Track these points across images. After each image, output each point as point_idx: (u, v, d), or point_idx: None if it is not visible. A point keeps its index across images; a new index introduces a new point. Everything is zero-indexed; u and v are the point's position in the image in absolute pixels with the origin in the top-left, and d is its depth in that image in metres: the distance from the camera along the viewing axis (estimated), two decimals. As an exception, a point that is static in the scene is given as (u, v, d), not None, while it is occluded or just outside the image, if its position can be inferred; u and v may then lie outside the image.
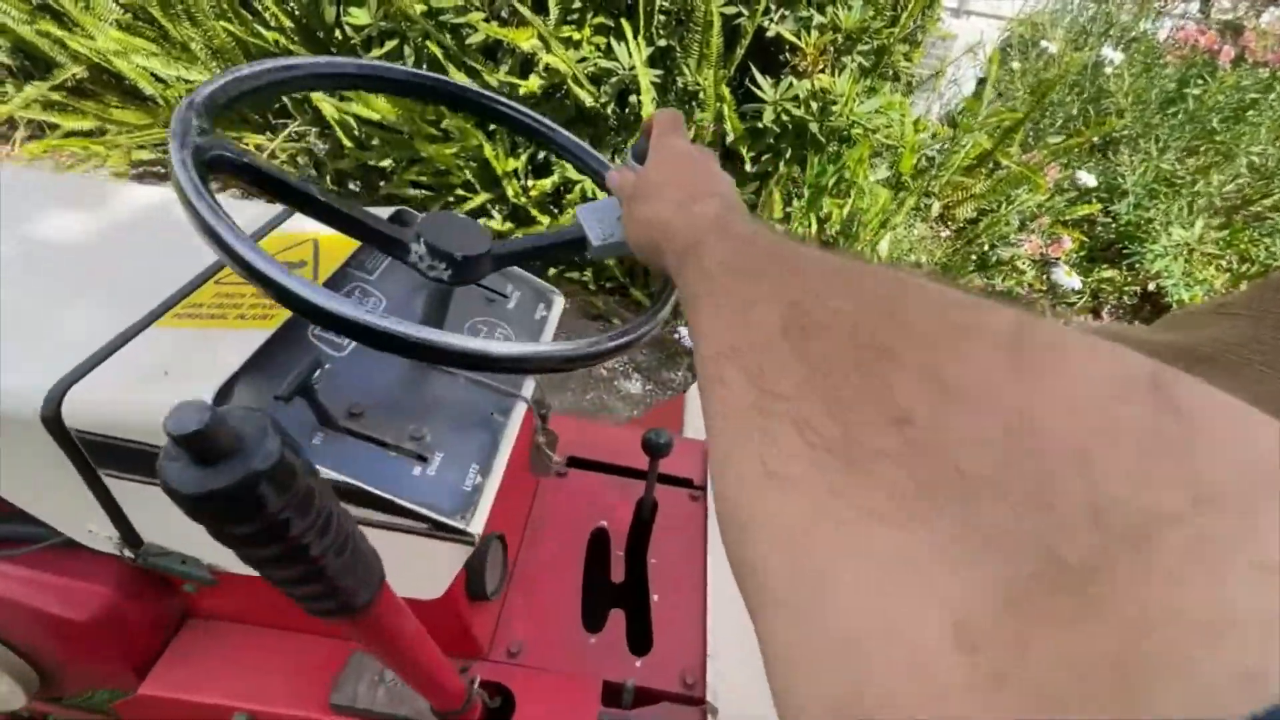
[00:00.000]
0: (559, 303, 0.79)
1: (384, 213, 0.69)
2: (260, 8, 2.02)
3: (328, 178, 2.43)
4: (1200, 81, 2.64)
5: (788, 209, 1.95)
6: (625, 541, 0.86)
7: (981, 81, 3.57)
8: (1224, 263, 2.67)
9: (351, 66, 0.61)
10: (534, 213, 2.07)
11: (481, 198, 2.05)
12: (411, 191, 2.16)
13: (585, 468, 0.94)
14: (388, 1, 1.84)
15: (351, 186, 2.43)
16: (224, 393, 0.50)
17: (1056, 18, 3.41)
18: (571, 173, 1.93)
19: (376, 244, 0.54)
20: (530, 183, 2.03)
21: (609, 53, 1.84)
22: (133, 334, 0.56)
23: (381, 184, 2.27)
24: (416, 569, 0.55)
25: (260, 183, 0.48)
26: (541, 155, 2.01)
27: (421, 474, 0.54)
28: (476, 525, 0.53)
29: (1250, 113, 2.58)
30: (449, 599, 0.62)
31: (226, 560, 0.61)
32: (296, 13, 2.03)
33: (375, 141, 2.19)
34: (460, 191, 2.11)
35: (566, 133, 0.71)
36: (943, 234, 2.48)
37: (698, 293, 0.29)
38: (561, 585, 0.80)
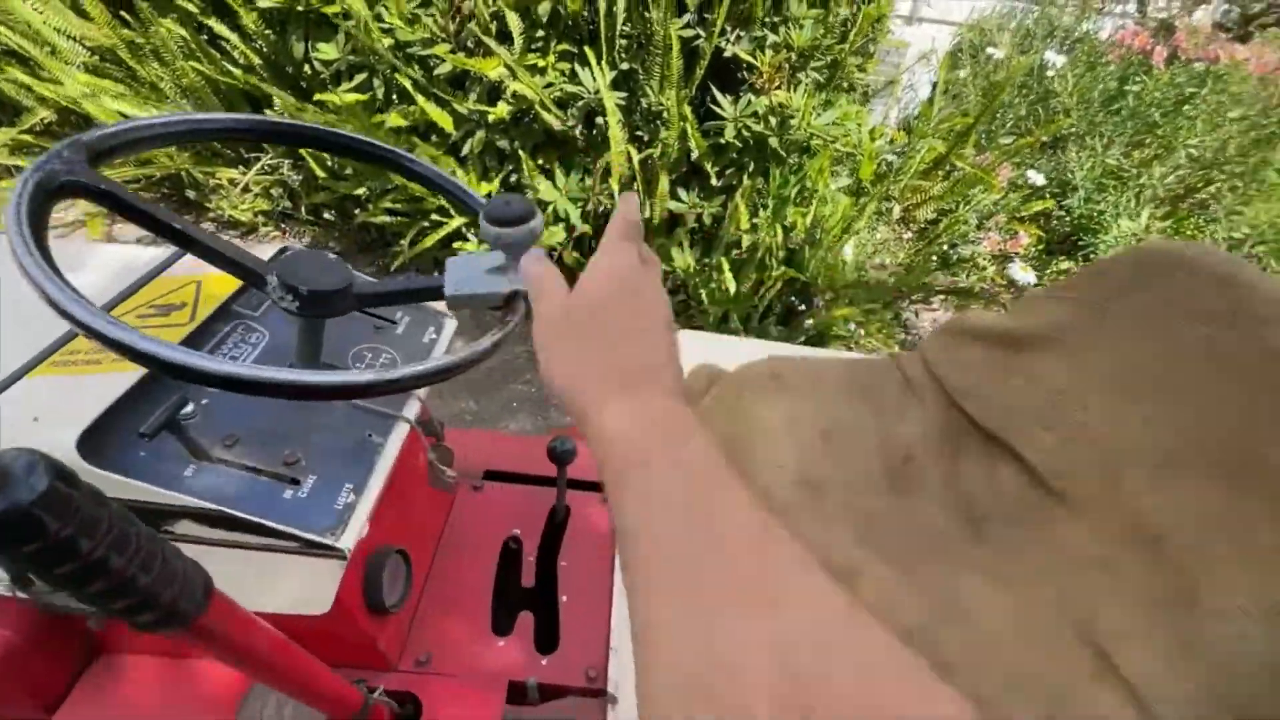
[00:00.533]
0: (450, 325, 0.82)
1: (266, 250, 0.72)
2: (228, 46, 2.05)
3: (303, 208, 2.46)
4: (1139, 79, 2.78)
5: (754, 220, 2.02)
6: (538, 545, 0.90)
7: (946, 85, 3.70)
8: (1173, 250, 2.79)
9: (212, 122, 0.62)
10: (509, 234, 2.11)
11: (456, 222, 2.10)
12: (386, 219, 2.20)
13: (503, 480, 0.98)
14: (355, 36, 1.88)
15: (327, 216, 2.46)
16: (89, 434, 0.52)
17: (1003, 22, 3.55)
18: (545, 193, 1.99)
19: (237, 274, 0.56)
20: (503, 205, 2.08)
21: (574, 78, 1.90)
22: (6, 385, 0.58)
23: (357, 212, 2.30)
24: (299, 587, 0.58)
25: (123, 211, 0.51)
26: (514, 177, 2.07)
27: (293, 496, 0.58)
28: (347, 541, 0.57)
29: (1186, 107, 2.72)
30: (346, 614, 0.65)
31: None
32: (265, 50, 2.06)
33: (349, 171, 2.22)
34: (435, 217, 2.15)
35: (427, 163, 0.71)
36: (905, 236, 2.57)
37: (637, 526, 0.27)
38: (472, 594, 0.84)
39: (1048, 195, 2.81)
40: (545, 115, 1.90)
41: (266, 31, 2.01)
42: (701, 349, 0.95)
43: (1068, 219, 2.84)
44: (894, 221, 2.53)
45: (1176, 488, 0.51)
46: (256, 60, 2.07)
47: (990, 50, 2.94)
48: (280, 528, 0.55)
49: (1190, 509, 0.50)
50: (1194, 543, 0.49)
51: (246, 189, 2.43)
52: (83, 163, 0.50)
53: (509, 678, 0.76)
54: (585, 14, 1.89)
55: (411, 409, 0.71)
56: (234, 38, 2.01)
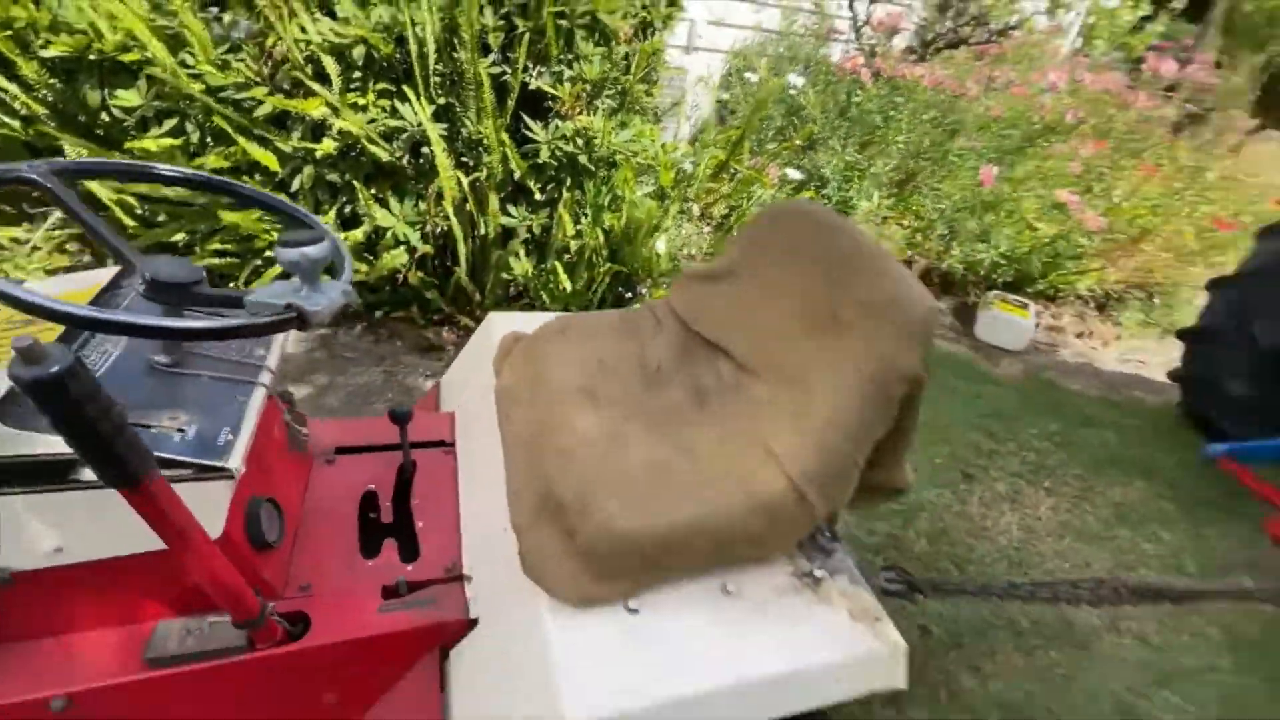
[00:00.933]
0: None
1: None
2: (6, 97, 1.94)
3: (109, 260, 2.33)
4: (858, 94, 3.55)
5: (578, 226, 2.33)
6: (392, 494, 1.10)
7: (719, 104, 4.32)
8: (905, 222, 3.59)
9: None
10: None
11: (294, 255, 2.16)
12: (216, 260, 2.19)
13: (353, 453, 1.15)
14: (161, 80, 1.90)
15: (141, 265, 2.36)
16: (1, 405, 0.66)
17: (761, 49, 4.27)
18: (383, 220, 2.13)
19: (118, 258, 0.79)
20: (341, 235, 2.19)
21: (395, 113, 2.08)
22: None
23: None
24: (195, 514, 0.69)
25: (62, 207, 0.75)
26: (349, 208, 2.18)
27: (181, 439, 0.73)
28: (234, 462, 0.74)
29: (894, 113, 3.53)
30: (234, 547, 0.80)
31: (20, 558, 0.73)
32: (51, 99, 1.98)
33: (162, 217, 2.18)
34: (269, 254, 2.19)
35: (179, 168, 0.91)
36: (705, 230, 3.05)
37: None
38: (339, 535, 1.01)
39: (812, 187, 3.47)
40: (373, 148, 2.06)
41: (52, 80, 1.93)
42: (512, 323, 1.22)
43: (828, 205, 3.53)
44: (695, 218, 3.00)
45: (801, 347, 0.89)
46: (41, 110, 1.97)
47: (748, 75, 3.56)
48: (175, 458, 0.70)
49: (808, 355, 0.88)
50: (808, 376, 0.86)
51: (36, 247, 2.26)
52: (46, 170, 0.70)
53: (381, 583, 0.94)
54: (398, 56, 2.08)
55: (265, 377, 0.88)
56: (13, 88, 1.91)
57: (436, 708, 0.90)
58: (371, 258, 2.25)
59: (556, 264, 2.31)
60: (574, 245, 2.34)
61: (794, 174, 3.10)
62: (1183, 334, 2.58)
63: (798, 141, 3.28)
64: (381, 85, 2.07)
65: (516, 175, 2.24)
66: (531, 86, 2.18)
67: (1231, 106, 6.28)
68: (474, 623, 0.92)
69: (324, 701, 0.93)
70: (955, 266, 3.35)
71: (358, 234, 2.17)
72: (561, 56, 2.20)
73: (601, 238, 2.34)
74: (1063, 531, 2.12)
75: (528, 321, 1.21)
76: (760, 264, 1.00)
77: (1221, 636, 1.81)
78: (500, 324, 1.24)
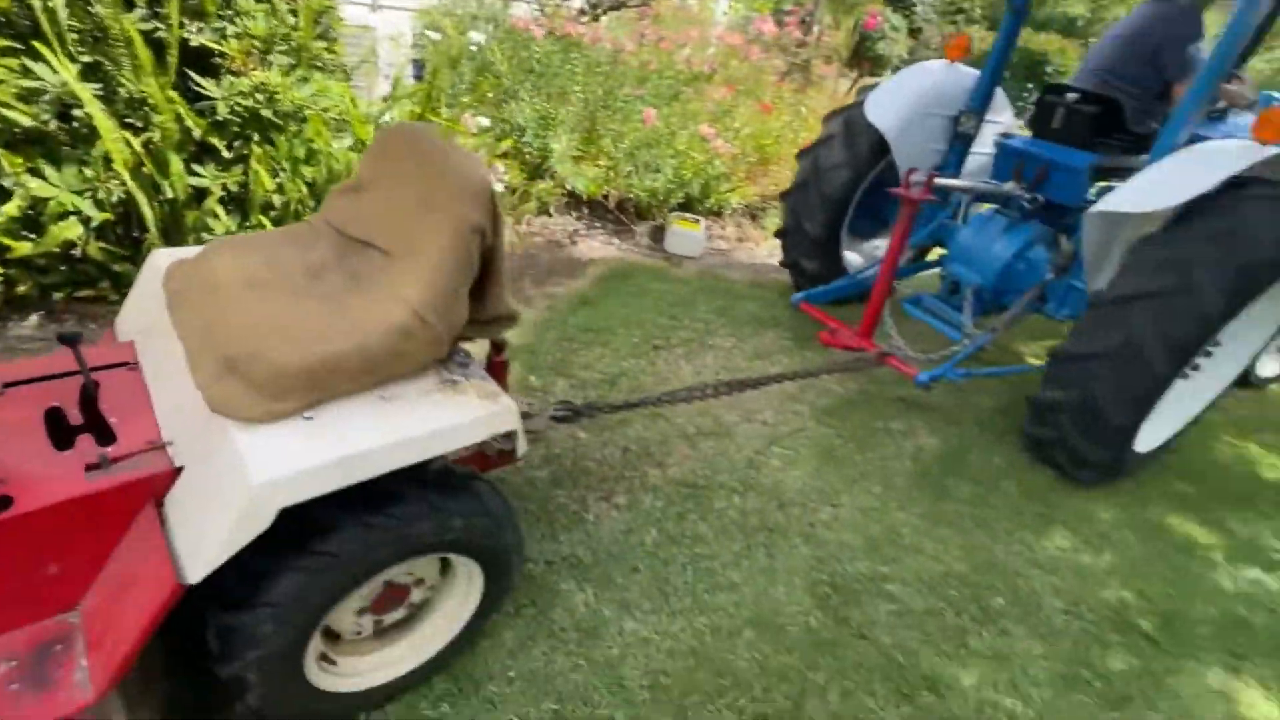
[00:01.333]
0: None
1: None
2: None
3: None
4: (536, 50, 4.02)
5: (278, 180, 2.42)
6: (78, 405, 1.14)
7: (415, 63, 4.47)
8: (599, 162, 4.21)
9: None
10: (3, 240, 2.05)
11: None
12: None
13: (24, 385, 1.16)
14: None
15: None
16: None
17: (448, 9, 4.48)
18: (40, 190, 2.01)
19: None
20: (-13, 210, 2.00)
21: (30, 73, 1.95)
22: None
23: None
24: None
25: None
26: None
27: None
28: None
29: (570, 67, 4.08)
30: None
31: None
32: None
33: None
34: (-114, 240, 1.92)
35: None
36: (415, 179, 3.29)
37: None
38: (26, 438, 1.03)
39: (513, 136, 3.88)
40: (9, 112, 1.92)
41: None
42: (175, 255, 1.37)
43: (533, 151, 3.99)
44: (402, 169, 3.22)
45: (417, 225, 1.25)
46: None
47: (429, 33, 3.80)
48: None
49: (421, 229, 1.24)
50: (422, 242, 1.24)
51: None
52: None
53: (84, 463, 0.98)
54: (17, 9, 1.94)
55: None
56: None
57: (164, 552, 0.97)
58: (34, 235, 2.10)
59: (262, 218, 2.39)
60: (277, 200, 2.44)
61: (485, 122, 3.47)
62: (777, 233, 3.61)
63: (488, 94, 3.64)
64: (3, 43, 1.92)
65: (196, 134, 2.25)
66: (193, 43, 2.20)
67: (835, 59, 8.18)
68: (180, 470, 1.04)
69: (49, 573, 0.98)
70: (641, 195, 4.08)
71: (10, 208, 2.01)
72: (221, 12, 2.24)
73: (305, 189, 2.47)
74: (720, 371, 2.94)
75: (190, 254, 1.34)
76: (384, 173, 1.36)
77: (810, 411, 2.75)
78: (164, 258, 1.37)
